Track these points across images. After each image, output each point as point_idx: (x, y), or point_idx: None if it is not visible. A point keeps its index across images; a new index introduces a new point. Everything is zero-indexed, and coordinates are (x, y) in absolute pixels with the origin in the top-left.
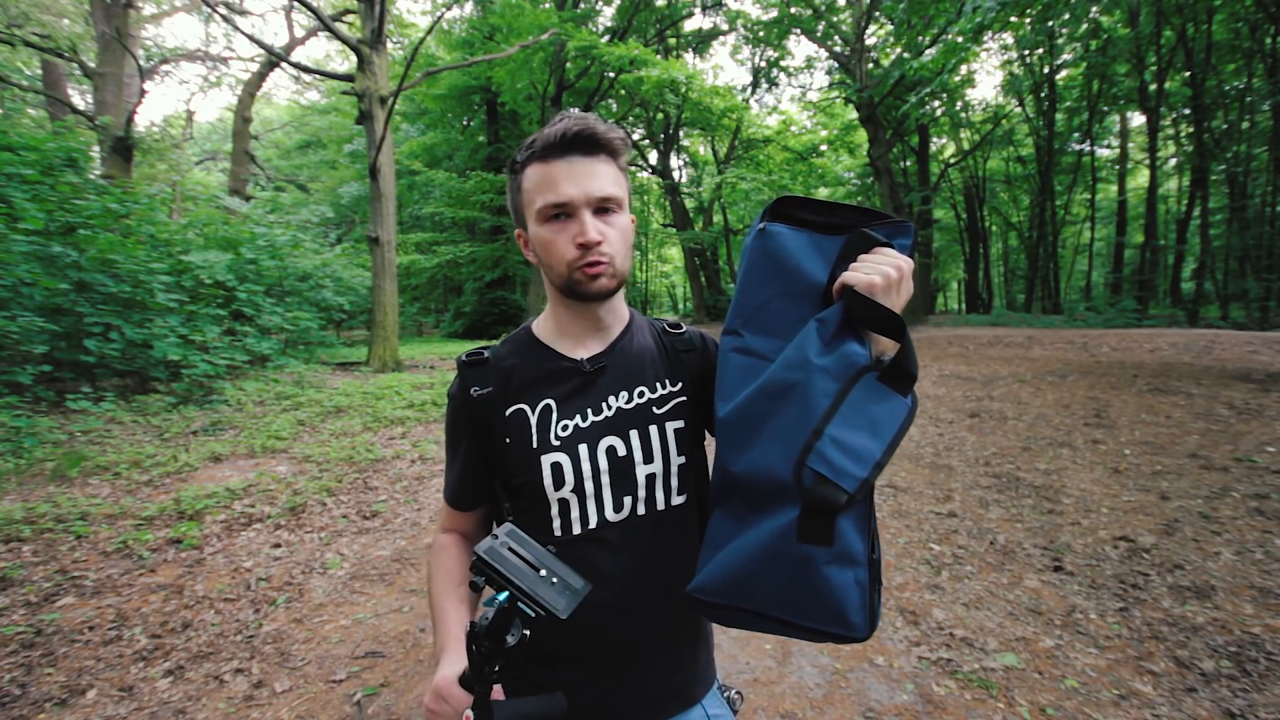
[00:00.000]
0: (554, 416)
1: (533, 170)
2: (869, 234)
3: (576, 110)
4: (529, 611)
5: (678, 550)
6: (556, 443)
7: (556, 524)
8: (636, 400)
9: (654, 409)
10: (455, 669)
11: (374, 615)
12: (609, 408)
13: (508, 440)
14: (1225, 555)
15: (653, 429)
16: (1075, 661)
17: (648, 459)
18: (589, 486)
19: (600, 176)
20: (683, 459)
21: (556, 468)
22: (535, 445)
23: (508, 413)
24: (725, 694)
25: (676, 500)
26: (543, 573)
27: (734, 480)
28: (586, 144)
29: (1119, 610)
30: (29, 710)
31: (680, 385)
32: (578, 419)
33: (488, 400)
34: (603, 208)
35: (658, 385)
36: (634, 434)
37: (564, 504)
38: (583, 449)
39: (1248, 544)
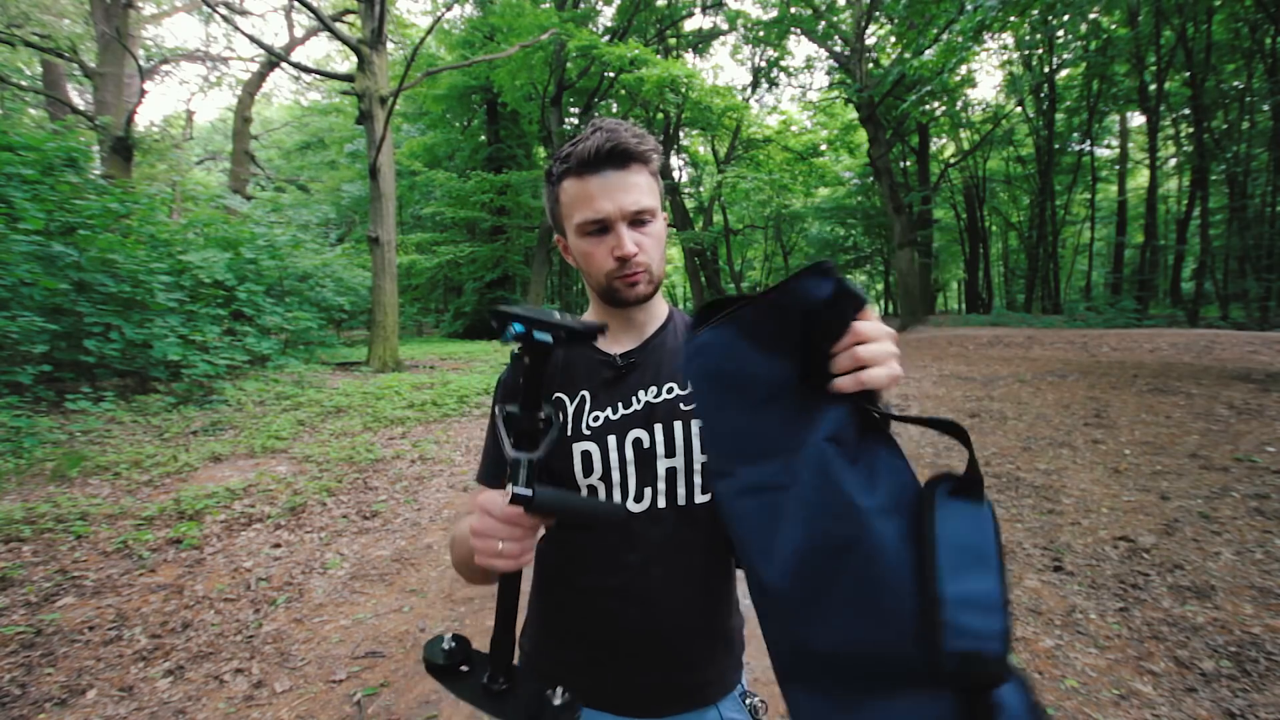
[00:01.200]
0: (587, 407)
1: (569, 184)
2: (848, 291)
3: (608, 120)
4: (545, 337)
5: (699, 548)
6: (587, 432)
7: None
8: (665, 395)
9: (681, 405)
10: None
11: (374, 615)
12: (639, 401)
13: None
14: (1225, 555)
15: (677, 424)
16: (1075, 661)
17: (670, 453)
18: (615, 475)
19: (634, 188)
20: (706, 457)
21: (586, 456)
22: (569, 433)
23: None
24: (748, 701)
25: (701, 498)
26: (557, 317)
27: (820, 657)
28: (619, 158)
29: (1119, 610)
30: (29, 710)
31: None
32: (608, 411)
33: None
34: (638, 219)
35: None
36: (659, 427)
37: (592, 491)
38: (611, 440)
39: (1248, 544)
